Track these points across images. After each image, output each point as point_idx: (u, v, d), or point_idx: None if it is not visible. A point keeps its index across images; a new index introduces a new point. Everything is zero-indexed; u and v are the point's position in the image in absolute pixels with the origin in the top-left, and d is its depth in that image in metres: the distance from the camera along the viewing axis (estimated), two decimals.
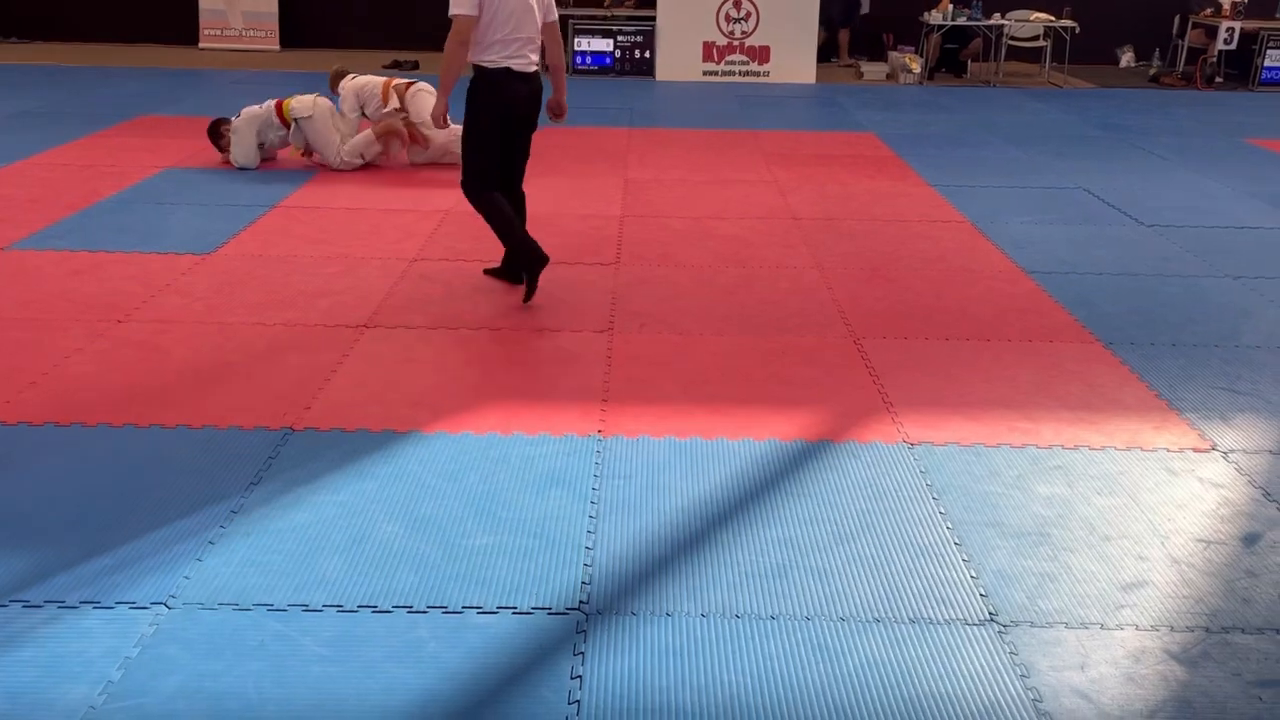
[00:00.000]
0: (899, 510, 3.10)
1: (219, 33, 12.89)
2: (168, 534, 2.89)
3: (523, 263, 4.65)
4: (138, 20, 13.03)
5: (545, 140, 8.12)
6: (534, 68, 4.48)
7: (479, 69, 4.42)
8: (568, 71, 11.73)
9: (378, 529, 2.94)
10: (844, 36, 12.87)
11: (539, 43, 4.53)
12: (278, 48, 12.85)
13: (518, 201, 4.76)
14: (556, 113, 4.78)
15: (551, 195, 6.54)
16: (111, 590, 2.64)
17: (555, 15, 4.62)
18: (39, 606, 2.57)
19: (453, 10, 4.30)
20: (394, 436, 3.46)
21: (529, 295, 4.65)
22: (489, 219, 4.62)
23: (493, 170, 4.55)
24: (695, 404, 3.74)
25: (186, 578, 2.70)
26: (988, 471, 3.32)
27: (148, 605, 2.58)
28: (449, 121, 4.78)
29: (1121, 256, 5.55)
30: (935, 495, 3.17)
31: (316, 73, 11.39)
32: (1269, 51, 11.58)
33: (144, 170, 6.88)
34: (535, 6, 4.43)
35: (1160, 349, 4.32)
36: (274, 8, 12.82)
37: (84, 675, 2.34)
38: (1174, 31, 12.41)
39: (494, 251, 5.01)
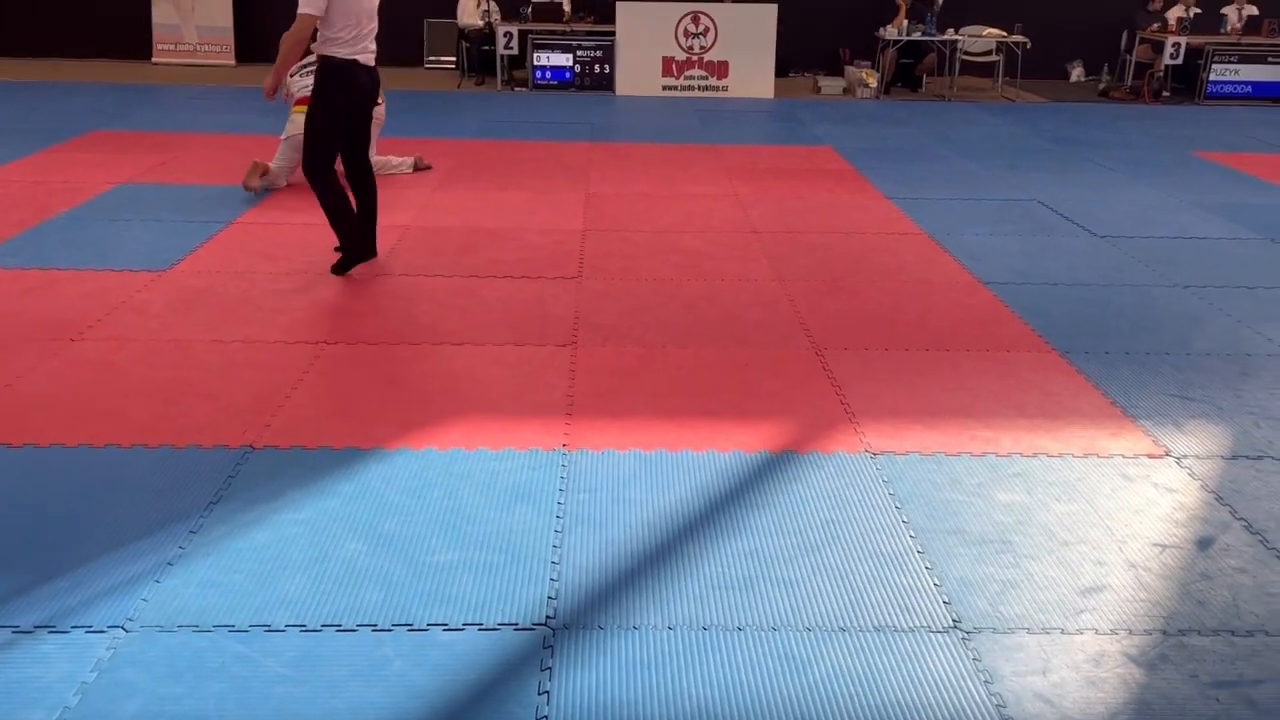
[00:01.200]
0: (863, 519, 3.12)
1: (173, 47, 12.75)
2: (124, 556, 2.84)
3: (346, 248, 5.18)
4: (90, 35, 12.84)
5: (506, 155, 8.15)
6: (374, 60, 5.00)
7: (327, 61, 4.86)
8: (528, 87, 11.81)
9: (341, 547, 2.92)
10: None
11: (374, 36, 5.01)
12: (233, 62, 12.73)
13: (370, 183, 5.24)
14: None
15: (513, 209, 6.53)
16: (67, 614, 2.59)
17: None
18: None
19: (301, 9, 4.71)
20: (356, 453, 3.43)
21: (338, 268, 5.16)
22: (322, 199, 5.06)
23: (334, 153, 5.03)
24: (660, 417, 3.75)
25: (144, 600, 2.65)
26: (949, 480, 3.36)
27: (105, 629, 2.54)
28: (276, 97, 5.29)
29: (1075, 267, 5.65)
30: (898, 504, 3.20)
31: None
32: (1214, 66, 11.86)
33: (97, 186, 6.78)
34: (373, 7, 4.97)
35: (1114, 357, 4.40)
36: (229, 22, 12.70)
37: (40, 701, 2.29)
38: (1122, 47, 12.68)
39: (454, 265, 5.00)
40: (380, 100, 5.58)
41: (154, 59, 12.73)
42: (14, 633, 2.52)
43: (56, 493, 3.15)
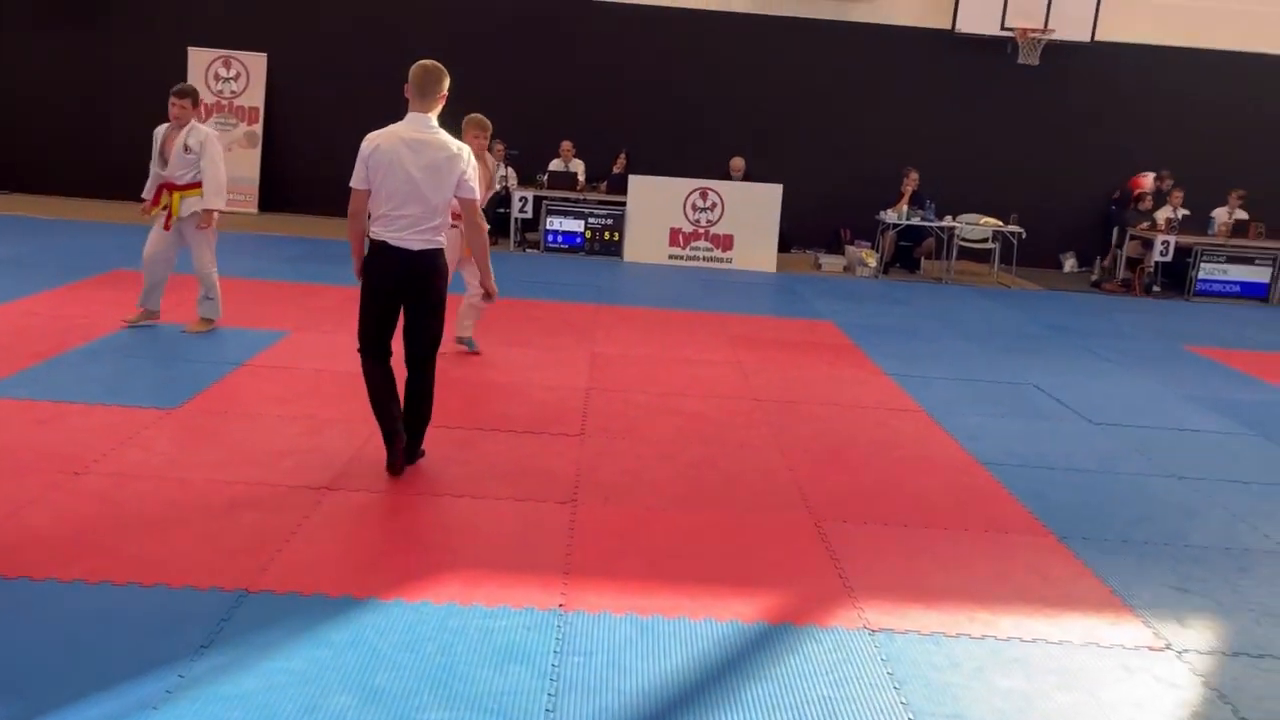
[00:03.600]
0: (860, 699, 3.07)
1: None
2: (110, 698, 2.78)
3: (385, 439, 4.58)
4: (119, 178, 13.32)
5: (516, 312, 8.35)
6: (419, 245, 4.39)
7: (369, 239, 4.53)
8: (539, 249, 12.18)
9: (330, 699, 2.86)
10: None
11: (437, 223, 4.44)
12: (256, 211, 13.18)
13: (415, 385, 4.62)
14: (484, 297, 4.85)
15: (519, 365, 6.65)
16: None
17: (470, 192, 4.49)
18: None
19: (351, 182, 4.45)
20: (351, 603, 3.40)
21: (390, 464, 4.57)
22: (365, 380, 4.60)
23: (367, 337, 4.53)
24: (658, 580, 3.73)
25: None
26: (948, 662, 3.32)
27: None
28: None
29: (1072, 452, 5.72)
30: (896, 684, 3.16)
31: (290, 235, 11.68)
32: (1203, 265, 12.28)
33: (114, 323, 6.92)
34: (428, 186, 4.35)
35: (1112, 545, 4.41)
36: (255, 174, 13.23)
37: None
38: (1112, 242, 13.16)
39: (459, 418, 5.07)
40: (483, 292, 4.82)
41: None
42: None
43: (46, 629, 3.11)
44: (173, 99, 6.64)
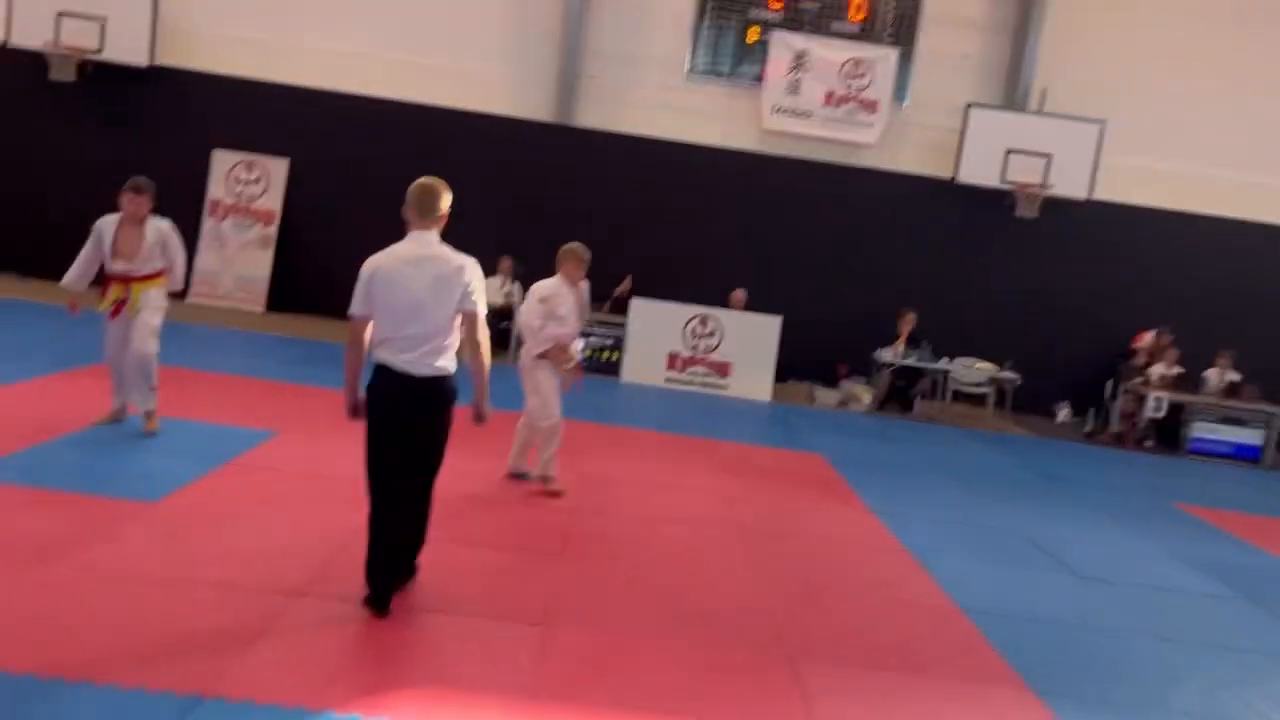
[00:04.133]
0: None
1: (209, 289, 13.42)
2: None
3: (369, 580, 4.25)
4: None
5: (506, 425, 8.33)
6: (425, 371, 4.16)
7: (374, 364, 4.26)
8: None
9: None
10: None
11: (443, 343, 4.22)
12: (262, 310, 13.34)
13: (409, 510, 4.35)
14: (475, 418, 4.48)
15: (504, 479, 6.63)
16: None
17: (475, 308, 4.28)
18: None
19: (350, 309, 4.25)
20: (305, 714, 3.33)
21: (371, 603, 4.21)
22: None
23: (374, 474, 4.24)
24: (624, 711, 3.65)
25: None
26: None
27: None
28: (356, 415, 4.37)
29: (1055, 604, 5.65)
30: None
31: (292, 336, 11.80)
32: (1195, 423, 12.34)
33: (108, 411, 6.93)
34: (432, 302, 4.16)
35: (1090, 704, 4.32)
36: (266, 273, 13.45)
37: None
38: (1106, 395, 13.26)
39: (439, 529, 5.03)
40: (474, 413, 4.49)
41: (188, 299, 13.36)
42: None
43: None
44: (131, 195, 6.48)
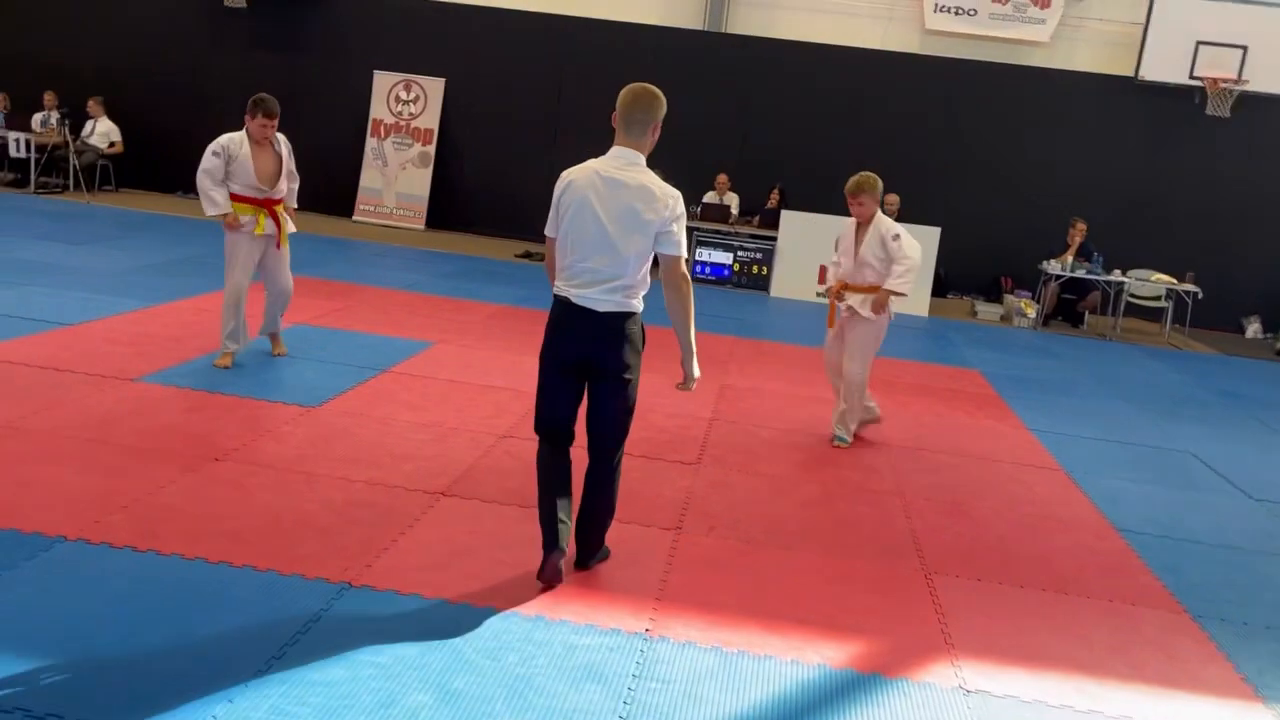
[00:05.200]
0: None
1: (373, 209, 13.96)
2: (206, 669, 2.95)
3: (545, 542, 3.77)
4: (305, 191, 14.22)
5: (652, 338, 8.38)
6: (606, 306, 3.63)
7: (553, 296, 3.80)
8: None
9: (408, 696, 2.94)
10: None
11: (630, 282, 3.65)
12: (422, 227, 13.80)
13: (592, 478, 3.86)
14: (682, 382, 3.97)
15: (645, 390, 6.66)
16: (139, 718, 2.69)
17: (674, 248, 3.67)
18: None
19: (546, 229, 3.80)
20: (444, 606, 3.49)
21: (541, 572, 3.74)
22: None
23: (542, 412, 3.82)
24: (749, 616, 3.68)
25: (214, 717, 2.74)
26: None
27: None
28: None
29: (1223, 527, 5.31)
30: None
31: (453, 253, 12.16)
32: None
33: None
34: (619, 235, 3.60)
35: (1254, 630, 4.07)
36: (425, 191, 13.86)
37: None
38: None
39: (579, 436, 5.15)
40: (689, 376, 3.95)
41: (354, 217, 13.94)
42: None
43: (164, 599, 3.33)
44: (264, 119, 6.09)
